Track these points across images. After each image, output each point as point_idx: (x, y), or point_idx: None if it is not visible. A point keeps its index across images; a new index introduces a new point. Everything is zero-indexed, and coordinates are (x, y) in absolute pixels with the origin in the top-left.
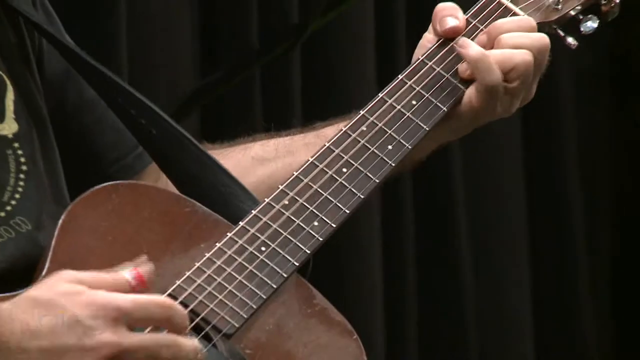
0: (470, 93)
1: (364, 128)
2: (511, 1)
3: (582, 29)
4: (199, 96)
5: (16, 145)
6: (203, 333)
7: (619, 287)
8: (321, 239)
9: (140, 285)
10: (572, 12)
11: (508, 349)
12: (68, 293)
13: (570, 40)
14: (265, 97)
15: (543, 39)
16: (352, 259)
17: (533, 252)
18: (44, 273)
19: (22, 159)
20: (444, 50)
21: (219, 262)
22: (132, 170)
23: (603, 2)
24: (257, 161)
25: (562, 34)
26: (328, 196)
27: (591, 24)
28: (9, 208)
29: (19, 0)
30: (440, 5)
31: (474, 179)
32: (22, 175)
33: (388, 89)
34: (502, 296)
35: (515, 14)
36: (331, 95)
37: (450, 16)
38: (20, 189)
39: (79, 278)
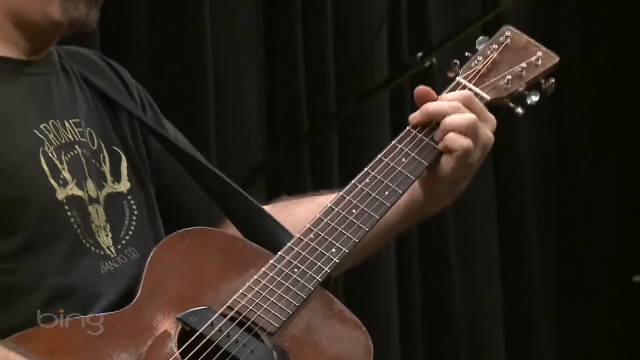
0: (445, 156)
1: (367, 180)
2: (474, 84)
3: (528, 101)
4: (264, 165)
5: (129, 197)
6: (253, 332)
7: (564, 308)
8: (337, 261)
9: None
10: (520, 89)
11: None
12: None
13: (519, 109)
14: (313, 165)
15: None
16: (372, 278)
17: (504, 276)
18: (137, 297)
19: (134, 207)
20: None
21: (263, 281)
22: (207, 223)
23: (543, 81)
24: (320, 206)
25: (512, 105)
26: (342, 230)
27: (534, 97)
28: (124, 242)
29: (132, 105)
30: (420, 89)
31: (460, 221)
32: (134, 218)
33: (384, 151)
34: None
35: (477, 94)
36: (359, 162)
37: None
38: (132, 228)
39: None
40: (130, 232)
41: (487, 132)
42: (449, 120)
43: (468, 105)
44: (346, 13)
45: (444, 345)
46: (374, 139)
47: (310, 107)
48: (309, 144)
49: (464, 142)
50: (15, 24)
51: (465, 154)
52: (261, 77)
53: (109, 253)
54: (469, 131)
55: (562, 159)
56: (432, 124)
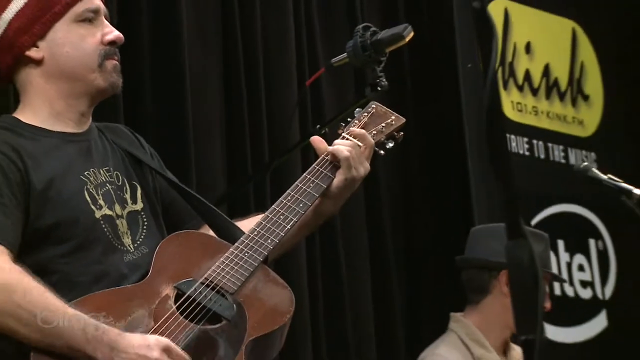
0: (338, 176)
1: (289, 197)
2: (352, 137)
3: (387, 146)
4: (226, 196)
5: (142, 213)
6: (220, 293)
7: (411, 292)
8: (271, 247)
9: None
10: (382, 139)
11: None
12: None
13: (381, 152)
14: (255, 195)
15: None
16: (290, 264)
17: (373, 271)
18: (148, 275)
19: (145, 220)
20: (324, 160)
21: (226, 262)
22: (192, 227)
23: (396, 134)
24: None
25: (376, 149)
26: (274, 228)
27: (390, 144)
28: (139, 242)
29: (145, 157)
30: (314, 137)
31: (345, 230)
32: (145, 227)
33: (299, 179)
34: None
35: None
36: (283, 193)
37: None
38: (144, 233)
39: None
40: (143, 236)
41: (367, 164)
42: (351, 153)
43: (364, 141)
44: (272, 102)
45: (334, 307)
46: (291, 179)
47: (255, 160)
48: (252, 183)
49: (360, 170)
50: (73, 101)
51: (356, 178)
52: (224, 140)
53: (130, 249)
54: (358, 162)
55: (406, 191)
56: (329, 163)
